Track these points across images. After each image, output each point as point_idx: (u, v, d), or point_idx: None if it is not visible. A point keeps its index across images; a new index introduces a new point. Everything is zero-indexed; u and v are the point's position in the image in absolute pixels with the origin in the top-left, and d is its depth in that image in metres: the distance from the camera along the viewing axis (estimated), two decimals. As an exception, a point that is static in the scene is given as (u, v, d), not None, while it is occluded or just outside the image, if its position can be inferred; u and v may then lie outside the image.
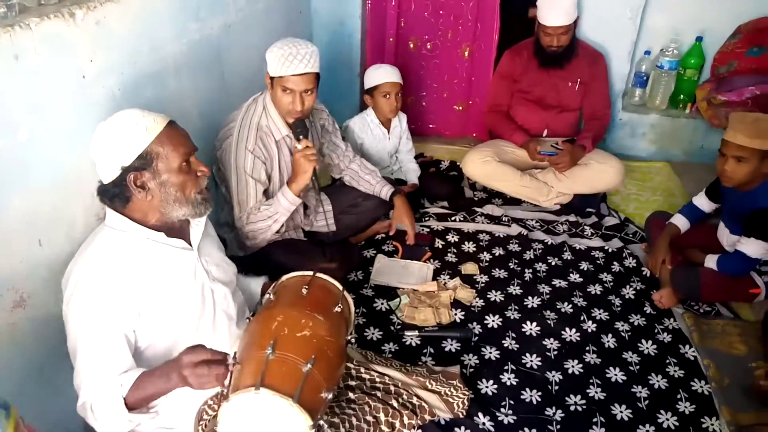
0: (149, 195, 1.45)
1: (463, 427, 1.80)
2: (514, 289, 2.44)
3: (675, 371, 2.07)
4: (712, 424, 1.88)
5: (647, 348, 2.16)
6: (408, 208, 2.52)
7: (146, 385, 1.36)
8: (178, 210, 1.49)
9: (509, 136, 3.10)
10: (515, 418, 1.87)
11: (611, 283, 2.50)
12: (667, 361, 2.11)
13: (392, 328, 2.23)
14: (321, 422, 1.51)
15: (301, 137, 2.11)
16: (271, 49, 2.04)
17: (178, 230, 1.55)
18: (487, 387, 1.98)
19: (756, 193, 2.16)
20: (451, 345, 2.15)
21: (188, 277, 1.55)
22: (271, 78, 2.07)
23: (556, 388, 2.00)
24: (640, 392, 1.99)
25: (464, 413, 1.81)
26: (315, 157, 2.10)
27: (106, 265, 1.42)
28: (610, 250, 2.68)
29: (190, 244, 1.58)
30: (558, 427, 1.85)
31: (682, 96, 3.42)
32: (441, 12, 3.37)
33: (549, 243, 2.73)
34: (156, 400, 1.42)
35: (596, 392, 1.98)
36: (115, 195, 1.45)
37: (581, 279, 2.52)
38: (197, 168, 1.52)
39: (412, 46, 3.48)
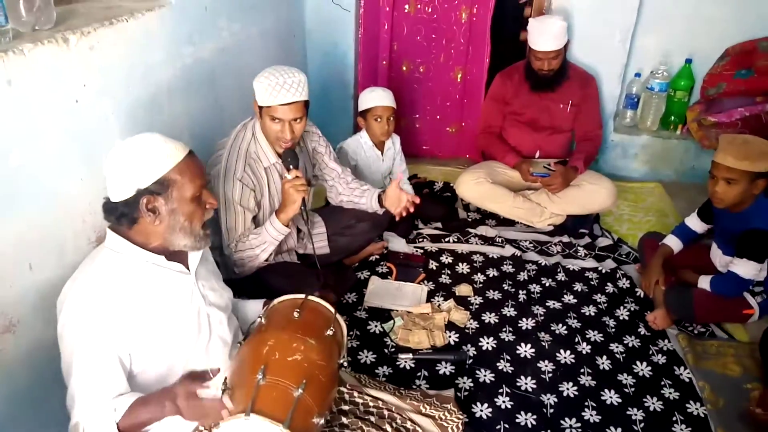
0: (158, 220, 1.45)
1: (457, 452, 1.78)
2: (509, 311, 2.43)
3: (670, 393, 2.06)
4: (709, 447, 1.87)
5: (642, 370, 2.16)
6: (397, 187, 2.34)
7: (140, 411, 1.34)
8: (181, 239, 1.50)
9: (502, 157, 3.12)
10: (510, 442, 1.86)
11: (605, 305, 2.49)
12: (662, 383, 2.10)
13: (386, 351, 2.22)
14: (313, 448, 1.49)
15: (291, 167, 2.09)
16: (258, 78, 2.03)
17: (176, 254, 1.55)
18: (481, 411, 1.97)
19: (748, 214, 2.17)
20: (446, 368, 2.14)
21: (185, 301, 1.54)
22: (260, 107, 2.06)
23: (551, 411, 1.98)
24: (636, 415, 1.97)
25: (459, 438, 1.79)
26: (304, 188, 2.07)
27: (103, 286, 1.41)
28: (603, 271, 2.68)
29: (188, 269, 1.57)
30: (553, 451, 1.84)
31: (672, 117, 3.46)
32: (433, 36, 3.41)
33: (543, 264, 2.73)
34: (148, 426, 1.40)
35: (591, 415, 1.97)
36: (123, 215, 1.44)
37: (575, 300, 2.51)
38: (207, 200, 1.53)
39: (405, 68, 3.52)
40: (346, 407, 1.71)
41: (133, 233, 1.47)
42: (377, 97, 2.80)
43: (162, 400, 1.34)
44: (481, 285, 2.59)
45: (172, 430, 1.49)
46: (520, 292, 2.54)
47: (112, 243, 1.47)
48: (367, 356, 2.19)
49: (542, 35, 2.88)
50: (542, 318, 2.40)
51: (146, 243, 1.48)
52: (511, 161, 3.08)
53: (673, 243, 2.47)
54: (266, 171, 2.18)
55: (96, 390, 1.36)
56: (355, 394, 1.75)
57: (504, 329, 2.33)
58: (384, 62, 3.44)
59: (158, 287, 1.49)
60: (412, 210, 2.32)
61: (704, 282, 2.26)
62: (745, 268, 2.15)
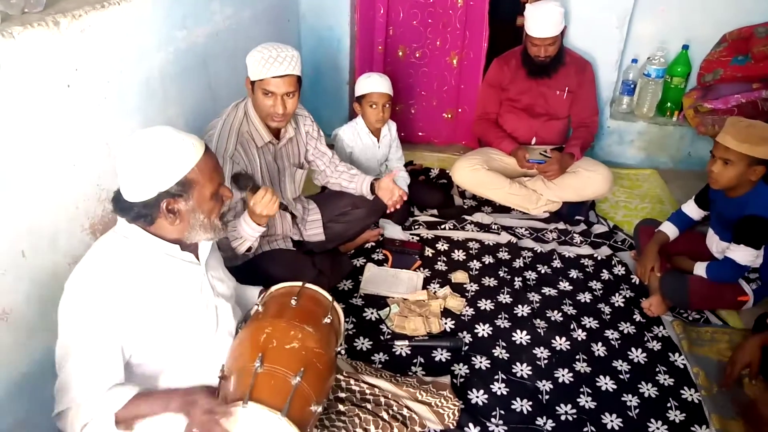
0: (177, 219, 1.43)
1: (453, 438, 1.79)
2: (504, 298, 2.43)
3: (665, 379, 2.07)
4: (702, 433, 1.88)
5: (637, 356, 2.16)
6: (391, 181, 2.41)
7: (142, 405, 1.33)
8: (201, 235, 1.48)
9: (498, 143, 3.11)
10: (506, 428, 1.86)
11: (600, 291, 2.50)
12: (657, 369, 2.11)
13: (382, 338, 2.22)
14: (310, 435, 1.49)
15: (249, 190, 1.85)
16: (251, 54, 2.03)
17: (187, 244, 1.52)
18: (477, 397, 1.97)
19: (745, 200, 2.17)
20: (442, 354, 2.14)
21: (194, 292, 1.52)
22: (252, 82, 2.05)
23: (547, 397, 1.99)
24: (630, 401, 1.98)
25: (455, 424, 1.80)
26: (275, 203, 1.86)
27: (111, 273, 1.38)
28: (599, 258, 2.69)
29: (198, 259, 1.55)
30: (549, 437, 1.85)
31: (669, 104, 3.45)
32: (430, 20, 3.38)
33: (538, 251, 2.73)
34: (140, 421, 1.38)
35: (587, 401, 1.98)
36: (141, 215, 1.41)
37: (570, 287, 2.52)
38: (224, 194, 1.51)
39: (401, 53, 3.49)
40: (342, 395, 1.72)
41: (147, 228, 1.44)
42: (373, 83, 2.78)
43: (169, 398, 1.33)
44: (476, 272, 2.59)
45: (168, 418, 1.48)
46: (516, 278, 2.54)
47: (123, 229, 1.44)
48: (363, 343, 2.19)
49: (539, 21, 2.85)
50: (538, 305, 2.40)
51: (160, 236, 1.46)
52: (508, 148, 3.07)
53: (669, 230, 2.47)
54: (258, 151, 2.16)
55: (94, 378, 1.34)
56: (352, 381, 1.75)
57: (500, 316, 2.33)
58: (380, 47, 3.40)
59: (168, 277, 1.46)
60: (398, 207, 2.42)
61: (700, 268, 2.27)
62: (741, 254, 2.16)
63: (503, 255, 2.70)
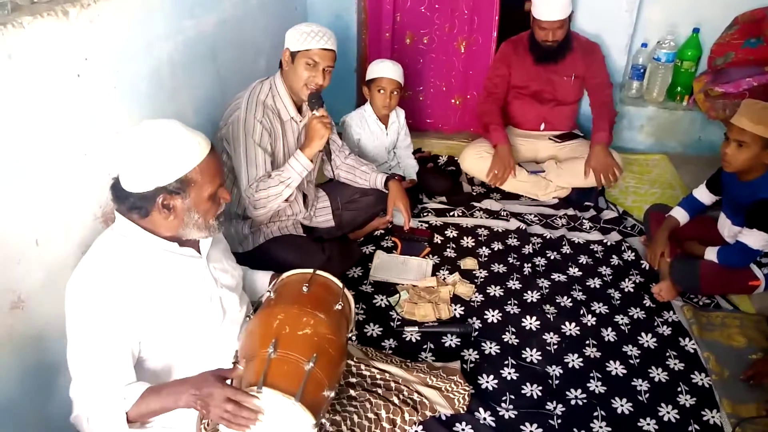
0: (172, 216, 1.42)
1: (464, 423, 1.80)
2: (514, 284, 2.44)
3: (675, 364, 2.07)
4: (713, 417, 1.88)
5: (647, 341, 2.16)
6: (402, 192, 2.50)
7: (151, 401, 1.33)
8: (195, 233, 1.48)
9: (489, 134, 3.01)
10: (516, 413, 1.87)
11: (610, 277, 2.50)
12: (667, 354, 2.11)
13: (392, 324, 2.23)
14: (323, 420, 1.51)
15: (317, 107, 2.16)
16: (294, 28, 2.16)
17: (187, 240, 1.53)
18: (487, 382, 1.98)
19: (758, 184, 2.15)
20: (451, 340, 2.15)
21: (197, 285, 1.53)
22: (293, 54, 2.14)
23: (557, 382, 2.00)
24: (641, 386, 1.99)
25: (465, 409, 1.81)
26: (331, 125, 2.16)
27: (112, 273, 1.39)
28: (608, 244, 2.68)
29: (199, 252, 1.56)
30: (559, 421, 1.85)
31: (679, 88, 3.42)
32: (437, 6, 3.36)
33: (548, 237, 2.73)
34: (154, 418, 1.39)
35: (597, 386, 1.98)
36: (136, 207, 1.41)
37: (580, 273, 2.52)
38: (222, 196, 1.50)
39: (408, 40, 3.47)
40: (353, 380, 1.73)
41: (142, 222, 1.45)
42: (384, 69, 2.77)
43: (179, 391, 1.33)
44: (486, 258, 2.60)
45: (175, 421, 1.48)
46: (525, 265, 2.54)
47: (121, 228, 1.45)
48: (373, 329, 2.20)
49: (548, 4, 2.81)
50: (547, 290, 2.41)
51: (155, 232, 1.46)
52: (495, 140, 2.96)
53: (680, 215, 2.46)
54: (283, 125, 2.22)
55: (105, 380, 1.35)
56: (363, 366, 1.76)
57: (509, 302, 2.34)
58: (387, 34, 3.39)
59: (169, 272, 1.47)
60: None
61: (711, 253, 2.25)
62: (754, 239, 2.14)
63: (512, 241, 2.70)
